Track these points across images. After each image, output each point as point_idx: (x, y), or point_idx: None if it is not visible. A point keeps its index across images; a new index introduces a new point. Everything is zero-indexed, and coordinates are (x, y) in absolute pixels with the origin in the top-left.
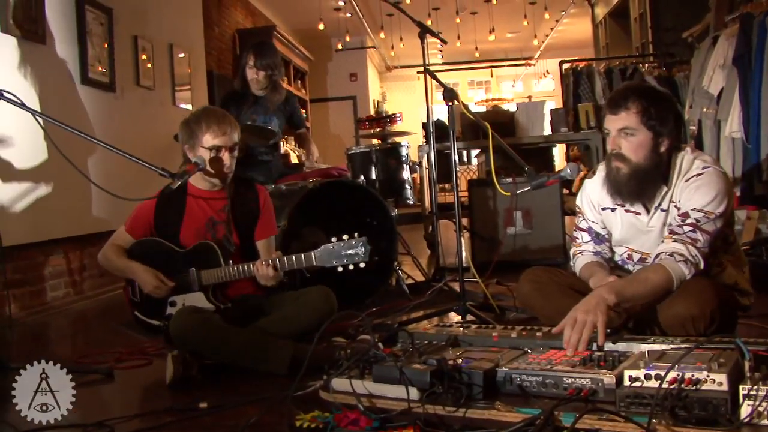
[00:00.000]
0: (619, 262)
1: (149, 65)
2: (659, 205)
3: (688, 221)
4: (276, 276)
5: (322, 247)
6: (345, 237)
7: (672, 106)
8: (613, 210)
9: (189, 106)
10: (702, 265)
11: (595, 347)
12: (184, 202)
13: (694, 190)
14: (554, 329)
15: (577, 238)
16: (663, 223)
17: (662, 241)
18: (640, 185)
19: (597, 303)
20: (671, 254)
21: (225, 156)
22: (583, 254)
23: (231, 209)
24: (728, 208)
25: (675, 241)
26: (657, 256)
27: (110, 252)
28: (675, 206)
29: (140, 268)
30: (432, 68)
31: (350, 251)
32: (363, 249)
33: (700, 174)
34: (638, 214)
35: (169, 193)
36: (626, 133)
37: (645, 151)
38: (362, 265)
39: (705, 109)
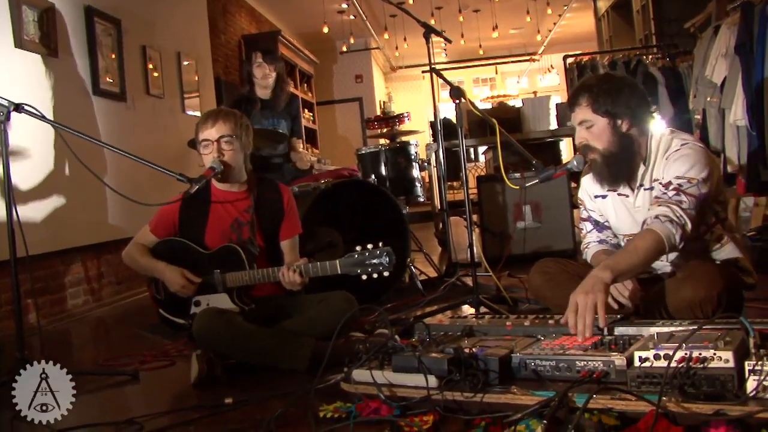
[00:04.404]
0: None
1: (156, 74)
2: (641, 184)
3: (672, 187)
4: (302, 282)
5: (347, 255)
6: (369, 246)
7: (623, 86)
8: (604, 197)
9: (198, 113)
10: (689, 227)
11: (605, 332)
12: (208, 204)
13: (674, 162)
14: (562, 320)
15: (582, 229)
16: (650, 202)
17: (649, 210)
18: (614, 168)
19: (594, 284)
20: (656, 217)
21: (213, 147)
22: (589, 246)
23: (255, 210)
24: (711, 176)
25: (660, 205)
26: (644, 222)
27: (134, 251)
28: (660, 183)
29: (166, 267)
30: (437, 67)
31: (374, 261)
32: (387, 259)
33: (678, 149)
34: (627, 196)
35: (193, 195)
36: (586, 126)
37: (607, 136)
38: (386, 274)
39: (709, 98)
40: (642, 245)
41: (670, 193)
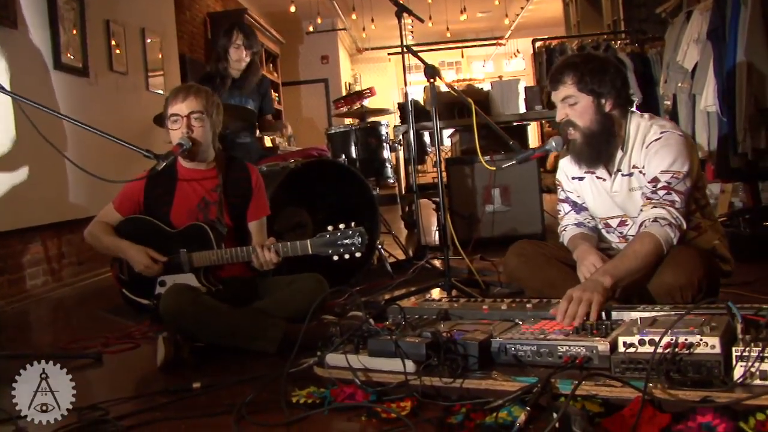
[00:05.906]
0: (603, 232)
1: (119, 51)
2: (618, 169)
3: (660, 185)
4: (278, 261)
5: (318, 235)
6: (341, 226)
7: (608, 66)
8: (581, 179)
9: (162, 92)
10: (684, 226)
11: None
12: (174, 182)
13: (655, 154)
14: (551, 311)
15: (560, 211)
16: (628, 188)
17: (641, 210)
18: (594, 148)
19: (594, 286)
20: (654, 220)
21: (183, 122)
22: (567, 229)
23: (223, 189)
24: (693, 166)
25: (654, 207)
26: (641, 225)
27: (97, 229)
28: (640, 172)
29: (130, 247)
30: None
31: (346, 241)
32: (359, 239)
33: (659, 138)
34: (604, 180)
35: (159, 173)
36: (570, 103)
37: (590, 114)
38: (358, 255)
39: (680, 84)
40: (641, 249)
41: (661, 193)
